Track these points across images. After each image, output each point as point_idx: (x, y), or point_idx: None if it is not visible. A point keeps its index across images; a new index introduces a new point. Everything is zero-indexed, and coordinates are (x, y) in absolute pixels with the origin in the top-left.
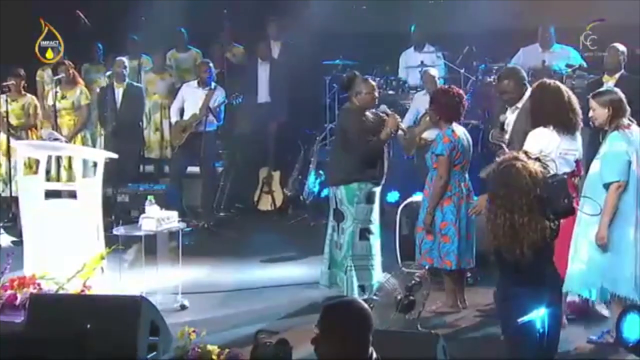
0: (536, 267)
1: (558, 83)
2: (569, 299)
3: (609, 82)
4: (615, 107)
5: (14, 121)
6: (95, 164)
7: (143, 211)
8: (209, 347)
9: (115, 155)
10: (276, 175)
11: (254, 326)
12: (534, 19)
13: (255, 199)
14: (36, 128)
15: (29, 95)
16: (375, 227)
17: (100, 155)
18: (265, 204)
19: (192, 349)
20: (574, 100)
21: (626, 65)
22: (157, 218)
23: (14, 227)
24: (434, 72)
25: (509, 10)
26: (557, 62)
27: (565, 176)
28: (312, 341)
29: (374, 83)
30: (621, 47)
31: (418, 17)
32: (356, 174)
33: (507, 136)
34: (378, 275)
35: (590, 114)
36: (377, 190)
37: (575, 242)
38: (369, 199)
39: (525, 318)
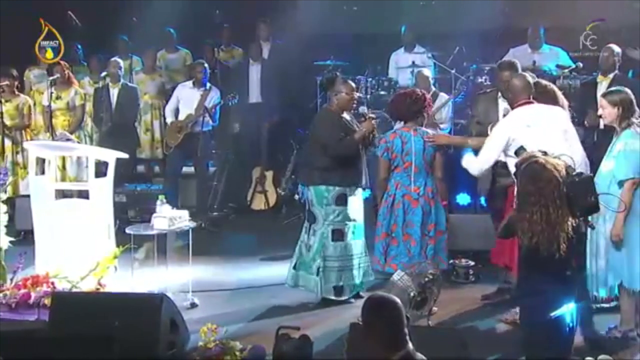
0: (565, 263)
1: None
2: None
3: (603, 82)
4: (625, 107)
5: (7, 121)
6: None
7: (140, 211)
8: (231, 343)
9: (126, 155)
10: (269, 174)
11: (259, 322)
12: (523, 20)
13: (249, 198)
14: (30, 128)
15: (22, 95)
16: (351, 228)
17: (111, 156)
18: (258, 204)
19: (215, 345)
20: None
21: (620, 66)
22: (169, 217)
23: (11, 227)
24: (427, 72)
25: (499, 10)
26: (547, 62)
27: (591, 174)
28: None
29: (353, 85)
30: (616, 48)
31: (408, 18)
32: (325, 175)
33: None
34: (361, 276)
35: (600, 112)
36: (354, 192)
37: (595, 240)
38: (339, 201)
39: (558, 312)
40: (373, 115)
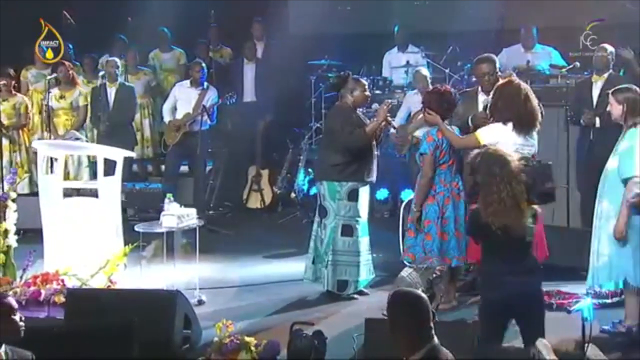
0: (526, 248)
1: (520, 83)
2: None
3: (597, 82)
4: (630, 105)
5: (5, 121)
6: (89, 165)
7: (139, 210)
8: (247, 338)
9: (133, 154)
10: (265, 173)
11: (267, 318)
12: (517, 19)
13: (244, 197)
14: (28, 128)
15: (19, 95)
16: (360, 224)
17: (119, 155)
18: (254, 202)
19: (230, 341)
20: (532, 101)
21: (614, 65)
22: (177, 215)
23: None
24: (425, 71)
25: (493, 10)
26: (540, 62)
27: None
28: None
29: (366, 82)
30: (609, 48)
31: (402, 18)
32: (339, 171)
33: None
34: (365, 272)
35: (608, 108)
36: (363, 188)
37: (598, 236)
38: (351, 197)
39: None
40: (389, 101)
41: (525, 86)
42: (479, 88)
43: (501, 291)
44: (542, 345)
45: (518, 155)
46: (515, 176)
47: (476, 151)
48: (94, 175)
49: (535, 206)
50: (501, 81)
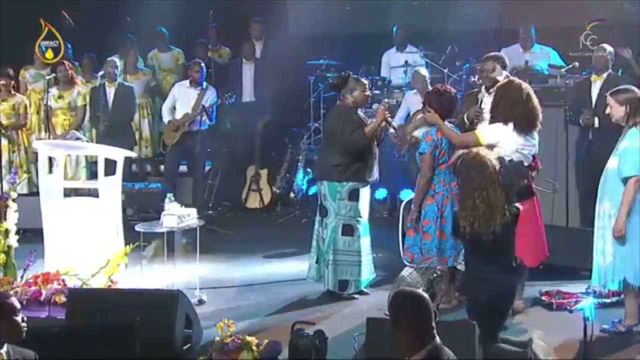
0: (504, 248)
1: (521, 83)
2: None
3: (596, 82)
4: (632, 105)
5: (4, 121)
6: (86, 165)
7: (139, 209)
8: (248, 338)
9: (134, 154)
10: (263, 173)
11: (268, 318)
12: (515, 19)
13: (243, 197)
14: (26, 128)
15: (18, 95)
16: (361, 224)
17: (120, 154)
18: (253, 202)
19: (232, 340)
20: (533, 101)
21: (613, 65)
22: (178, 215)
23: None
24: (424, 71)
25: (491, 10)
26: (538, 62)
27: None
28: None
29: (366, 82)
30: (608, 48)
31: (401, 18)
32: (340, 171)
33: (486, 115)
34: (366, 272)
35: (607, 110)
36: (364, 188)
37: (602, 237)
38: (352, 197)
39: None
40: (386, 100)
41: (526, 86)
42: (483, 88)
43: (477, 291)
44: (539, 346)
45: (494, 155)
46: (492, 182)
47: (459, 152)
48: (91, 176)
49: (517, 204)
50: (502, 81)
